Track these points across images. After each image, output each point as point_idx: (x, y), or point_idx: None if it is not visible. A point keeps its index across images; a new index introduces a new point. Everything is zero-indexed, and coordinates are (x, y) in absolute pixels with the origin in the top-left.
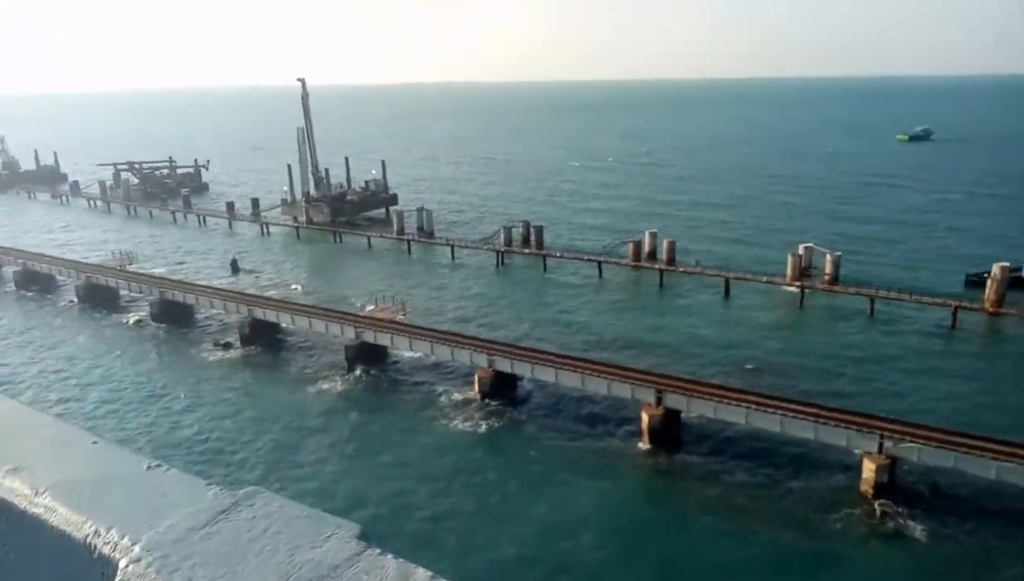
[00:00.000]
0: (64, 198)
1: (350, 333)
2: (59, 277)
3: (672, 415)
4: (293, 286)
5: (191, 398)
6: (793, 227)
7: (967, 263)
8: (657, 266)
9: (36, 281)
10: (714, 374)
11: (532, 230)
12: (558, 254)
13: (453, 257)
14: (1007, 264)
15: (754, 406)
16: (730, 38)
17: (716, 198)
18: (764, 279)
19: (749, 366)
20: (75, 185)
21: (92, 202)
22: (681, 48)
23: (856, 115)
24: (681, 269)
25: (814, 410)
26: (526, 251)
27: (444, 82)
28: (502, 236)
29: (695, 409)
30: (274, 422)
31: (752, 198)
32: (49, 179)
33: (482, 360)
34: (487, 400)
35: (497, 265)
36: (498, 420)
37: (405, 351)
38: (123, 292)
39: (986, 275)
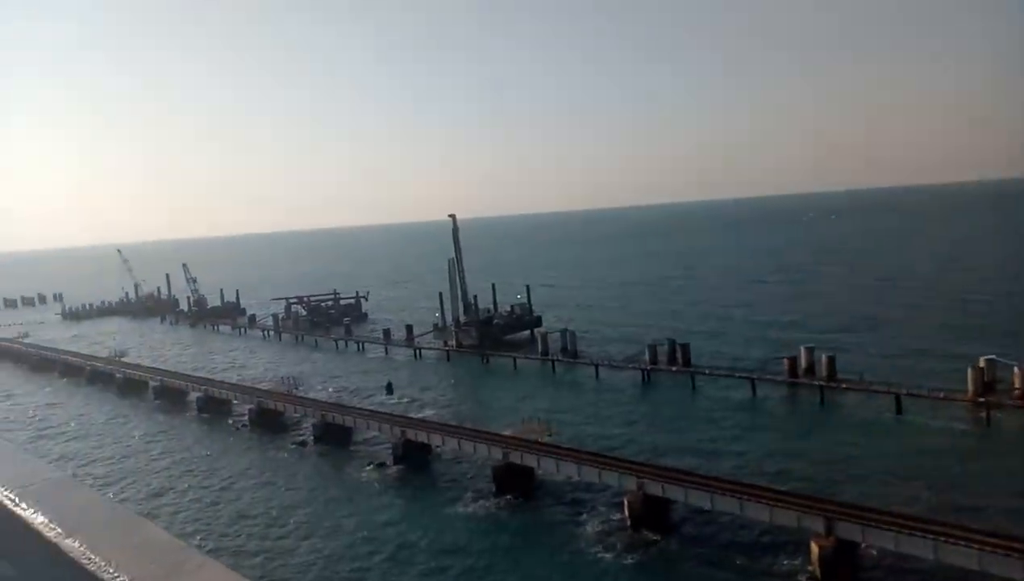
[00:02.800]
0: (242, 330)
1: (497, 454)
2: (234, 401)
3: (845, 546)
4: (443, 407)
5: (344, 517)
6: (968, 338)
7: None
8: (816, 382)
9: (215, 405)
10: (891, 500)
11: (678, 347)
12: (707, 371)
13: (598, 376)
14: None
15: (944, 538)
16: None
17: (870, 309)
18: (941, 395)
19: (931, 491)
20: (252, 318)
21: (266, 332)
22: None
23: None
24: (844, 385)
25: (1020, 545)
26: (673, 369)
27: (563, 211)
28: (647, 354)
29: (873, 540)
30: (421, 543)
31: (914, 307)
32: (231, 313)
33: (631, 483)
34: (636, 527)
35: (643, 384)
36: (648, 550)
37: (552, 472)
38: (289, 415)
39: None
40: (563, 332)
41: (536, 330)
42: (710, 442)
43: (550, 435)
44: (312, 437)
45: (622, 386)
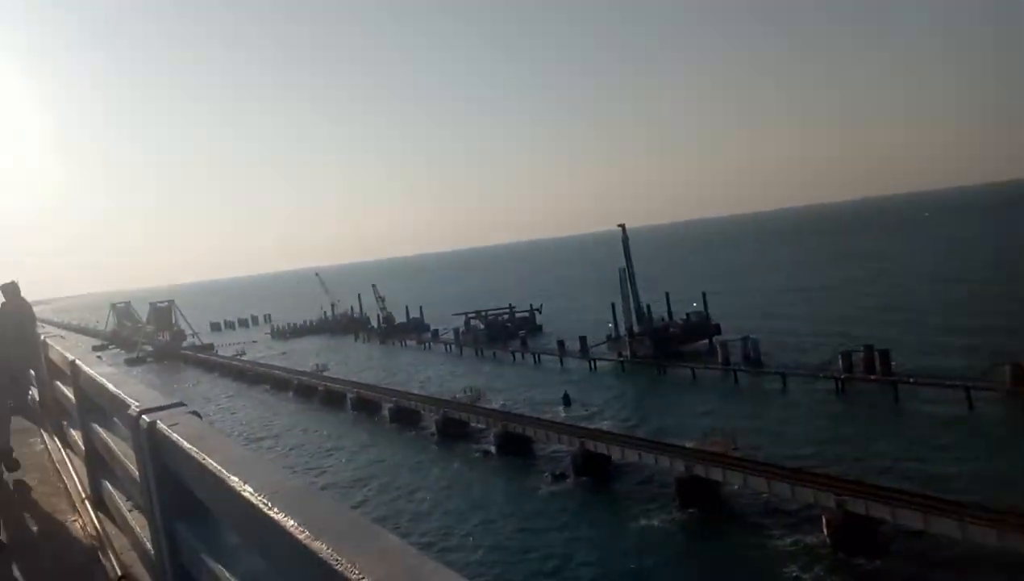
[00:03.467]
0: (427, 345)
1: (680, 466)
2: (422, 412)
3: None
4: (620, 419)
5: (530, 526)
6: None
7: None
8: None
9: (405, 416)
10: None
11: (876, 354)
12: (911, 380)
13: (785, 387)
14: None
15: None
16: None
17: None
18: None
19: None
20: (435, 333)
21: (448, 347)
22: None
23: None
24: None
25: None
26: (871, 378)
27: (734, 215)
28: (840, 362)
29: None
30: (604, 556)
31: None
32: (416, 329)
33: (828, 500)
34: (837, 547)
35: (836, 394)
36: (851, 574)
37: (738, 487)
38: (473, 425)
39: None
40: (744, 340)
41: (715, 339)
42: (918, 460)
43: (735, 448)
44: (495, 446)
45: (813, 397)
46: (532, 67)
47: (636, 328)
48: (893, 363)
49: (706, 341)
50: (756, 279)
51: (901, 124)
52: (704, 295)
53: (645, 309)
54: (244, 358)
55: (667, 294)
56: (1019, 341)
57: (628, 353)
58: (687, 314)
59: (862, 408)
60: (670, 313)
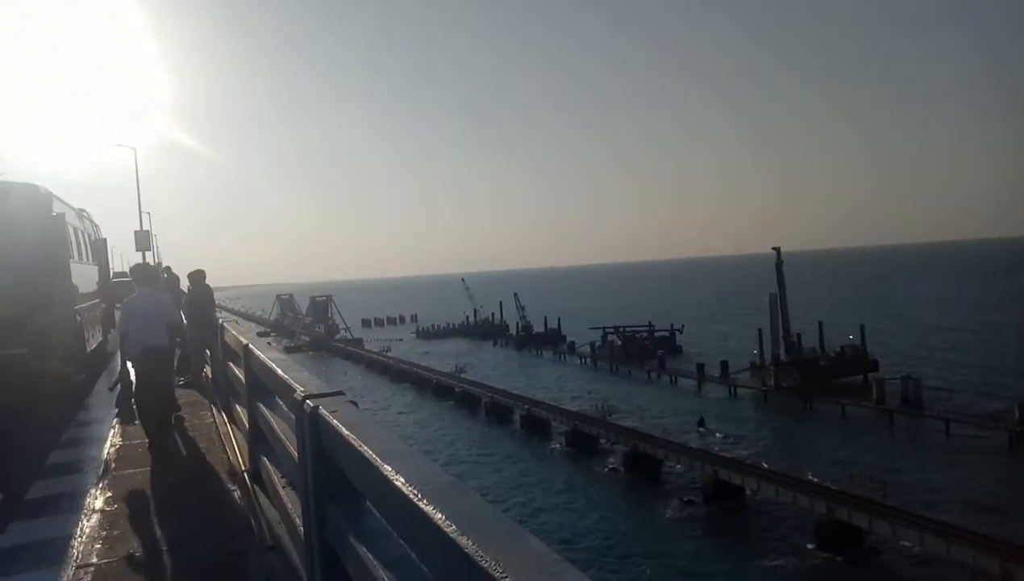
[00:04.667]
0: (562, 356)
1: (820, 507)
2: (552, 422)
3: None
4: (757, 450)
5: (655, 553)
6: None
7: None
8: None
9: (535, 424)
10: None
11: None
12: None
13: (948, 433)
14: None
15: None
16: None
17: None
18: None
19: None
20: (571, 345)
21: (583, 360)
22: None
23: None
24: None
25: None
26: None
27: (926, 242)
28: (1017, 412)
29: None
30: None
31: None
32: (553, 340)
33: (993, 565)
34: None
35: (1010, 448)
36: None
37: (886, 538)
38: (603, 440)
39: None
40: (905, 379)
41: (870, 375)
42: None
43: (884, 495)
44: (623, 464)
45: (980, 448)
46: (709, 79)
47: (784, 357)
48: None
49: (860, 377)
50: (918, 315)
51: None
52: (862, 328)
53: (795, 338)
54: (389, 354)
55: (820, 323)
56: None
57: (773, 382)
58: (841, 347)
59: None
60: (822, 344)
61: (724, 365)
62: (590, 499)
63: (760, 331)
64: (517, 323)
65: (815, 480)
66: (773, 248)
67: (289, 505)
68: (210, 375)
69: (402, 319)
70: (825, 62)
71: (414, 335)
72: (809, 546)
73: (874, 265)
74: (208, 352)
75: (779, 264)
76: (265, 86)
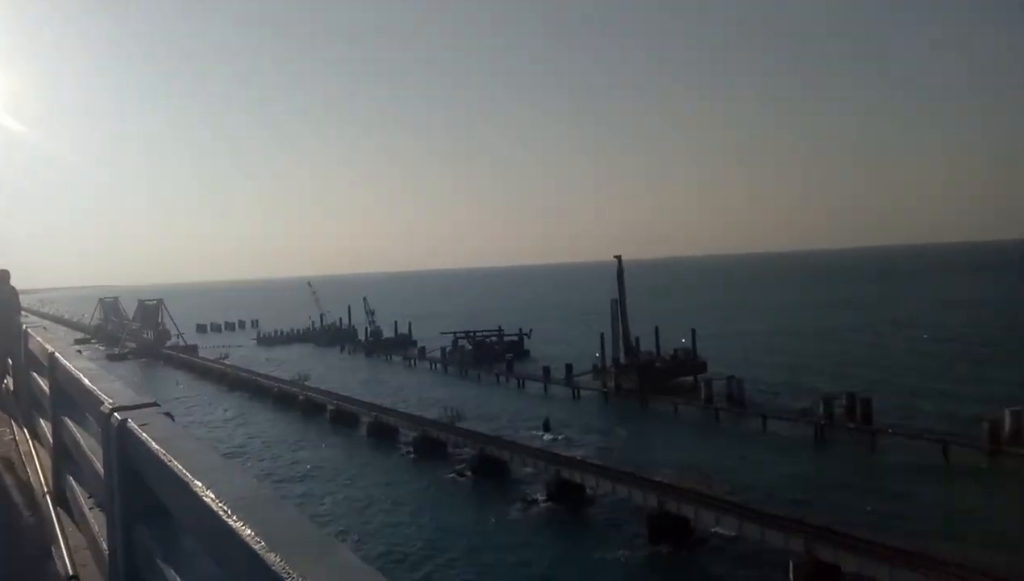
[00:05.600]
0: (412, 361)
1: (652, 500)
2: (401, 428)
3: None
4: (598, 449)
5: (495, 551)
6: None
7: None
8: None
9: (383, 431)
10: None
11: (858, 402)
12: (891, 431)
13: (765, 428)
14: None
15: None
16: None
17: None
18: None
19: None
20: (422, 350)
21: (433, 364)
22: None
23: None
24: None
25: None
26: (850, 426)
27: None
28: (822, 407)
29: None
30: None
31: None
32: (403, 345)
33: (798, 545)
34: None
35: (815, 439)
36: None
37: (709, 525)
38: (450, 444)
39: None
40: (729, 379)
41: (700, 376)
42: (892, 510)
43: (710, 486)
44: (470, 468)
45: (792, 440)
46: (550, 89)
47: (623, 360)
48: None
49: (691, 378)
50: (747, 320)
51: (911, 177)
52: (693, 332)
53: (634, 342)
54: (227, 361)
55: (656, 328)
56: (1001, 398)
57: (613, 384)
58: (675, 350)
59: (839, 455)
60: (658, 348)
61: (569, 368)
62: (436, 504)
63: (602, 335)
64: (366, 328)
65: (649, 475)
66: (614, 256)
67: (96, 529)
68: (11, 387)
69: (242, 324)
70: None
71: (255, 341)
72: (642, 538)
73: (714, 272)
74: (10, 362)
75: (620, 272)
76: (109, 78)
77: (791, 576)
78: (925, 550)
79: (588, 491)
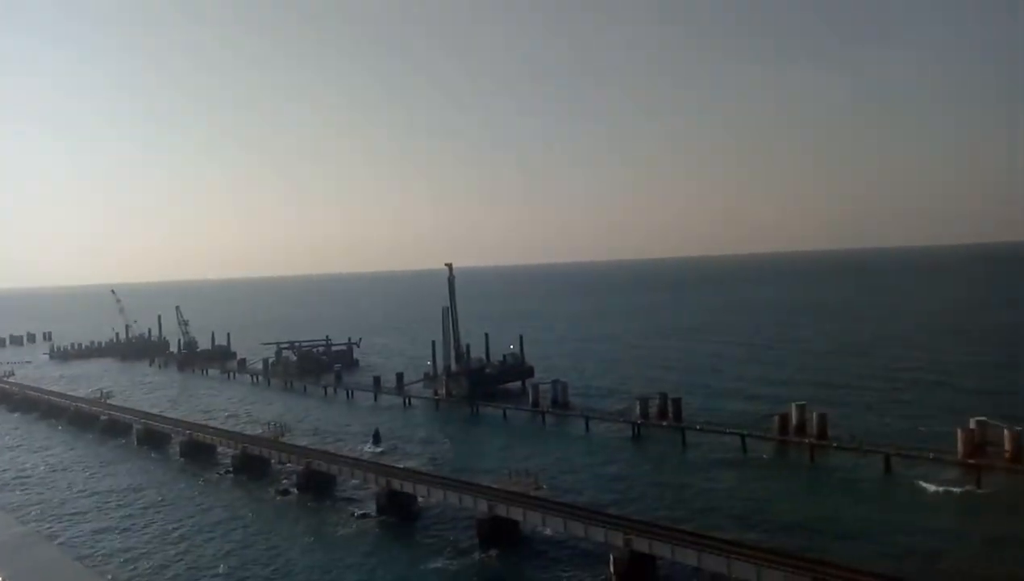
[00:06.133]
0: (231, 374)
1: (483, 506)
2: (219, 447)
3: None
4: (430, 458)
5: (320, 569)
6: (959, 399)
7: None
8: (807, 440)
9: (199, 450)
10: (881, 564)
11: (670, 402)
12: (698, 427)
13: (588, 429)
14: None
15: None
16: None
17: (864, 370)
18: (931, 455)
19: (922, 554)
20: (242, 362)
21: (255, 377)
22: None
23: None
24: (834, 444)
25: None
26: (663, 423)
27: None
28: (638, 408)
29: None
30: None
31: (904, 370)
32: (221, 357)
33: (617, 539)
34: None
35: (633, 438)
36: None
37: (537, 526)
38: (274, 462)
39: None
40: (554, 383)
41: (527, 381)
42: (700, 499)
43: (538, 488)
44: (296, 485)
45: (612, 439)
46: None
47: (454, 367)
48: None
49: (520, 383)
50: (576, 326)
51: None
52: (521, 338)
53: (464, 349)
54: (12, 379)
55: (486, 335)
56: (790, 393)
57: (444, 391)
58: (504, 356)
59: (654, 450)
60: (488, 354)
61: (399, 377)
62: (258, 524)
63: (433, 343)
64: (179, 339)
65: (479, 481)
66: (445, 264)
67: None
68: None
69: (31, 338)
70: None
71: (47, 356)
72: (474, 544)
73: (546, 281)
74: None
75: (451, 279)
76: None
77: (611, 568)
78: (732, 537)
79: (420, 500)
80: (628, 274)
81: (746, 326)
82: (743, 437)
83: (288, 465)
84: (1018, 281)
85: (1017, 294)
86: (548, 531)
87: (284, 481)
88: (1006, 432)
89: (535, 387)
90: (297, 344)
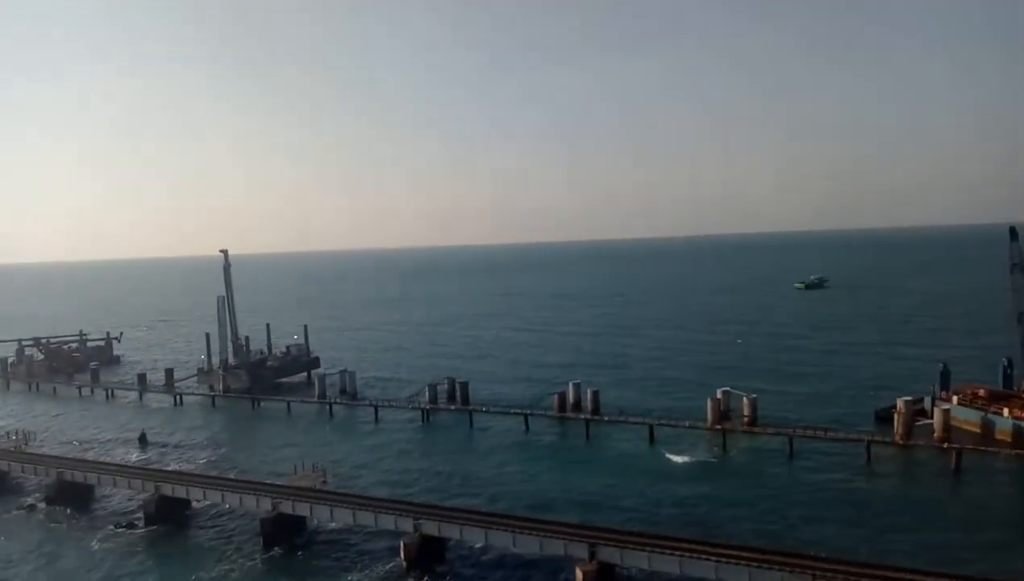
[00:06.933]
0: None
1: (266, 505)
2: None
3: (606, 569)
4: (207, 459)
5: None
6: (711, 372)
7: (875, 398)
8: (583, 416)
9: None
10: (646, 523)
11: (458, 386)
12: (484, 409)
13: (377, 418)
14: (910, 398)
15: (688, 553)
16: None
17: (633, 349)
18: (687, 424)
19: (679, 512)
20: None
21: None
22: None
23: (759, 268)
24: (606, 418)
25: (748, 553)
26: (452, 407)
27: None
28: (427, 393)
29: (629, 561)
30: None
31: (668, 348)
32: None
33: (407, 525)
34: (412, 568)
35: (423, 423)
36: None
37: (326, 521)
38: (16, 474)
39: (893, 410)
40: (342, 373)
41: (313, 372)
42: (487, 478)
43: (325, 481)
44: (44, 498)
45: (402, 426)
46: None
47: (232, 360)
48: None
49: (305, 375)
50: (365, 312)
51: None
52: (306, 328)
53: (243, 340)
54: None
55: (268, 325)
56: (569, 374)
57: (221, 387)
58: (287, 347)
59: (443, 434)
60: (270, 345)
61: (169, 373)
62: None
63: (208, 335)
64: None
65: (263, 479)
66: (220, 250)
67: None
68: None
69: None
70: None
71: None
72: (257, 544)
73: (332, 269)
74: None
75: (227, 267)
76: None
77: (402, 554)
78: (512, 510)
79: (195, 504)
80: (413, 262)
81: (527, 311)
82: (526, 417)
83: (35, 478)
84: (742, 267)
85: (738, 278)
86: (338, 524)
87: (32, 495)
88: (744, 399)
89: (321, 378)
90: (44, 340)
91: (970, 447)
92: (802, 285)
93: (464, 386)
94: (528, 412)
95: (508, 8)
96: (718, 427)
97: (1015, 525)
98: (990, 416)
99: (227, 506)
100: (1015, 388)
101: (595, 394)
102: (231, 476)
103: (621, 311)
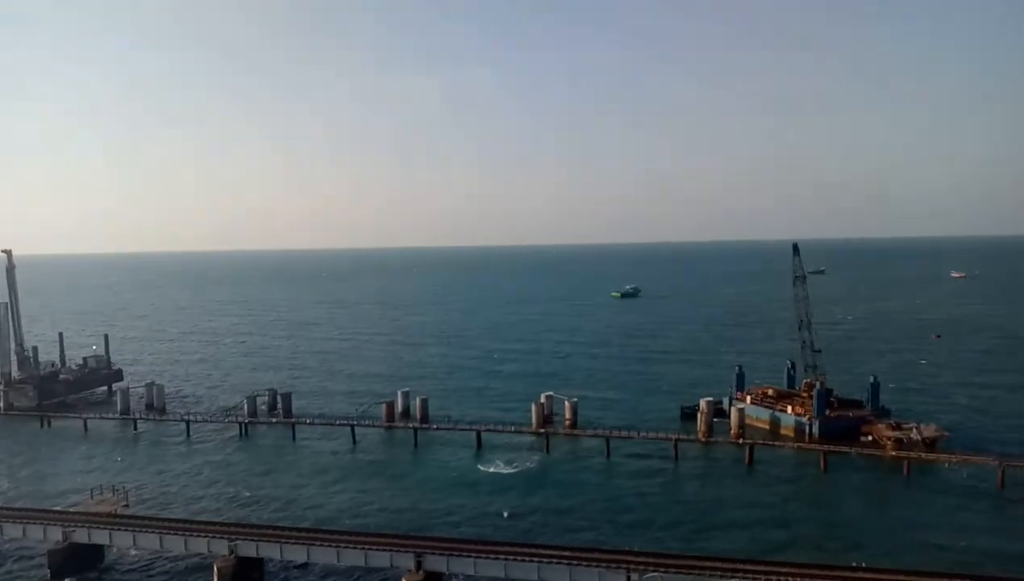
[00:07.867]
0: None
1: (56, 535)
2: None
3: (433, 578)
4: None
5: None
6: (534, 379)
7: (680, 397)
8: (411, 425)
9: None
10: (473, 529)
11: (279, 398)
12: (308, 421)
13: (189, 434)
14: (711, 399)
15: (512, 557)
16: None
17: (460, 356)
18: (512, 428)
19: (504, 515)
20: None
21: None
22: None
23: (577, 277)
24: (435, 426)
25: (568, 552)
26: (273, 420)
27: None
28: (246, 406)
29: (456, 568)
30: None
31: (486, 355)
32: None
33: (222, 547)
34: None
35: (240, 438)
36: None
37: (128, 548)
38: None
39: (697, 408)
40: (149, 386)
41: (115, 385)
42: (310, 495)
43: (127, 505)
44: None
45: (217, 442)
46: None
47: (16, 374)
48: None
49: (105, 389)
50: (170, 321)
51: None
52: (106, 338)
53: (30, 352)
54: None
55: (60, 334)
56: (390, 385)
57: (3, 404)
58: (84, 358)
59: (263, 448)
60: (63, 357)
61: None
62: None
63: None
64: None
65: (52, 507)
66: (2, 250)
67: None
68: None
69: None
70: None
71: None
72: (44, 579)
73: (148, 272)
74: None
75: (10, 269)
76: None
77: (215, 578)
78: (337, 523)
79: None
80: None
81: (351, 320)
82: (353, 427)
83: None
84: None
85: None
86: (142, 550)
87: None
88: (566, 403)
89: (124, 392)
90: None
91: (760, 442)
92: (618, 294)
93: (287, 397)
94: (355, 423)
95: None
96: (542, 431)
97: (796, 509)
98: (777, 413)
99: (6, 538)
100: (797, 387)
101: (424, 402)
102: (14, 505)
103: (444, 320)
